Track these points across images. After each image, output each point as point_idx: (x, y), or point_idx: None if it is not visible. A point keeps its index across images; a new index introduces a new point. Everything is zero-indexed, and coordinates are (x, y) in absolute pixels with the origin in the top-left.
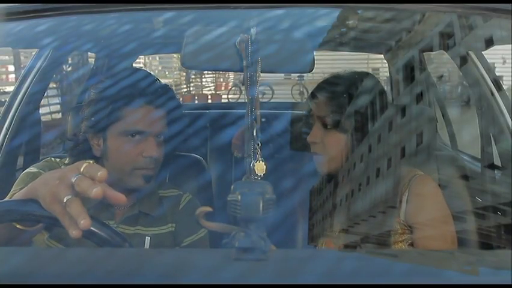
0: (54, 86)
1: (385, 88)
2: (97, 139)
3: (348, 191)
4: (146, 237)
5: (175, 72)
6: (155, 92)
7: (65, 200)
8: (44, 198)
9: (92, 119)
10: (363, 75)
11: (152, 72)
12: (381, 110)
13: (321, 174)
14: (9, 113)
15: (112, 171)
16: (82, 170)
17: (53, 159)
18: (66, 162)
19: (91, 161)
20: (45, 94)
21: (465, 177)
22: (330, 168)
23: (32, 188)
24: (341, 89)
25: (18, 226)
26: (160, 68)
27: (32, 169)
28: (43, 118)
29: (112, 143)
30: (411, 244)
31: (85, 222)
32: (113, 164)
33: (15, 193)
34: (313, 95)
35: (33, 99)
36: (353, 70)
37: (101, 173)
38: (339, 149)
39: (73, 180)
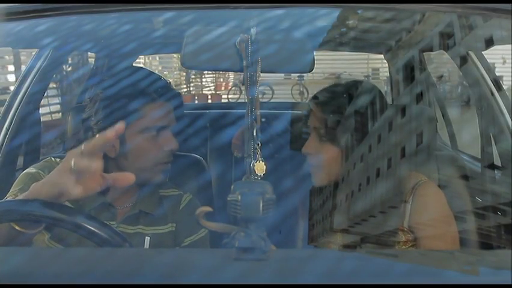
0: (54, 86)
1: (384, 92)
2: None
3: (349, 193)
4: (146, 237)
5: (175, 72)
6: (166, 88)
7: (82, 148)
8: (52, 179)
9: (106, 120)
10: (359, 85)
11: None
12: (378, 119)
13: (316, 186)
14: (9, 113)
15: (131, 170)
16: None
17: (53, 159)
18: None
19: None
20: (45, 94)
21: (465, 177)
22: (324, 181)
23: (34, 188)
24: (336, 101)
25: (17, 228)
26: (160, 68)
27: (31, 169)
28: (43, 118)
29: (133, 142)
30: None
31: (111, 131)
32: (134, 163)
33: (14, 193)
34: (309, 106)
35: (33, 99)
36: (350, 80)
37: (116, 128)
38: (334, 162)
39: (72, 163)
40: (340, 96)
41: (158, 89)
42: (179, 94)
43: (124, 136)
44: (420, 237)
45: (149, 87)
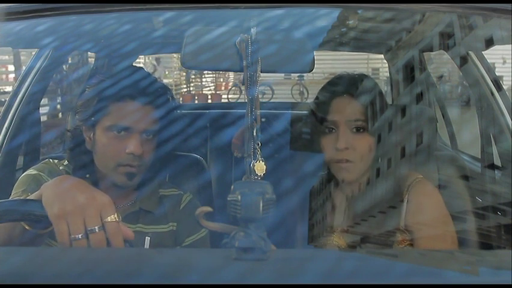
0: (55, 86)
1: (384, 92)
2: (88, 132)
3: (349, 192)
4: (146, 237)
5: (175, 72)
6: (144, 89)
7: (73, 237)
8: (52, 209)
9: (84, 113)
10: (364, 75)
11: (150, 72)
12: (392, 109)
13: (347, 182)
14: (9, 113)
15: (98, 165)
16: (105, 220)
17: (51, 160)
18: (65, 163)
19: (116, 216)
20: (45, 94)
21: (465, 177)
22: (357, 175)
23: (41, 193)
24: (366, 91)
25: (27, 227)
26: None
27: (31, 171)
28: (43, 118)
29: (99, 137)
30: None
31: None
32: (99, 158)
33: (17, 195)
34: (331, 97)
35: (33, 99)
36: (357, 71)
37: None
38: (369, 153)
39: (89, 228)
40: (366, 84)
41: (130, 88)
42: (165, 96)
43: (95, 131)
44: (416, 236)
45: (121, 85)
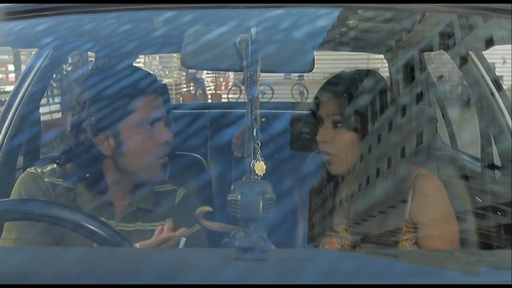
0: (55, 86)
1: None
2: (105, 138)
3: (350, 191)
4: (183, 238)
5: (175, 72)
6: (154, 81)
7: None
8: None
9: (97, 117)
10: (366, 73)
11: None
12: (385, 107)
13: (332, 175)
14: (9, 113)
15: (129, 167)
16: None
17: (32, 170)
18: (48, 168)
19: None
20: (45, 94)
21: (465, 177)
22: (342, 168)
23: None
24: (347, 86)
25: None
26: (160, 68)
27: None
28: (43, 118)
29: (128, 136)
30: (416, 243)
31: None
32: (132, 159)
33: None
34: (320, 94)
35: (33, 99)
36: (357, 68)
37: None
38: (350, 148)
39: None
40: (351, 81)
41: (147, 83)
42: (166, 86)
43: (119, 132)
44: (420, 228)
45: (138, 82)
